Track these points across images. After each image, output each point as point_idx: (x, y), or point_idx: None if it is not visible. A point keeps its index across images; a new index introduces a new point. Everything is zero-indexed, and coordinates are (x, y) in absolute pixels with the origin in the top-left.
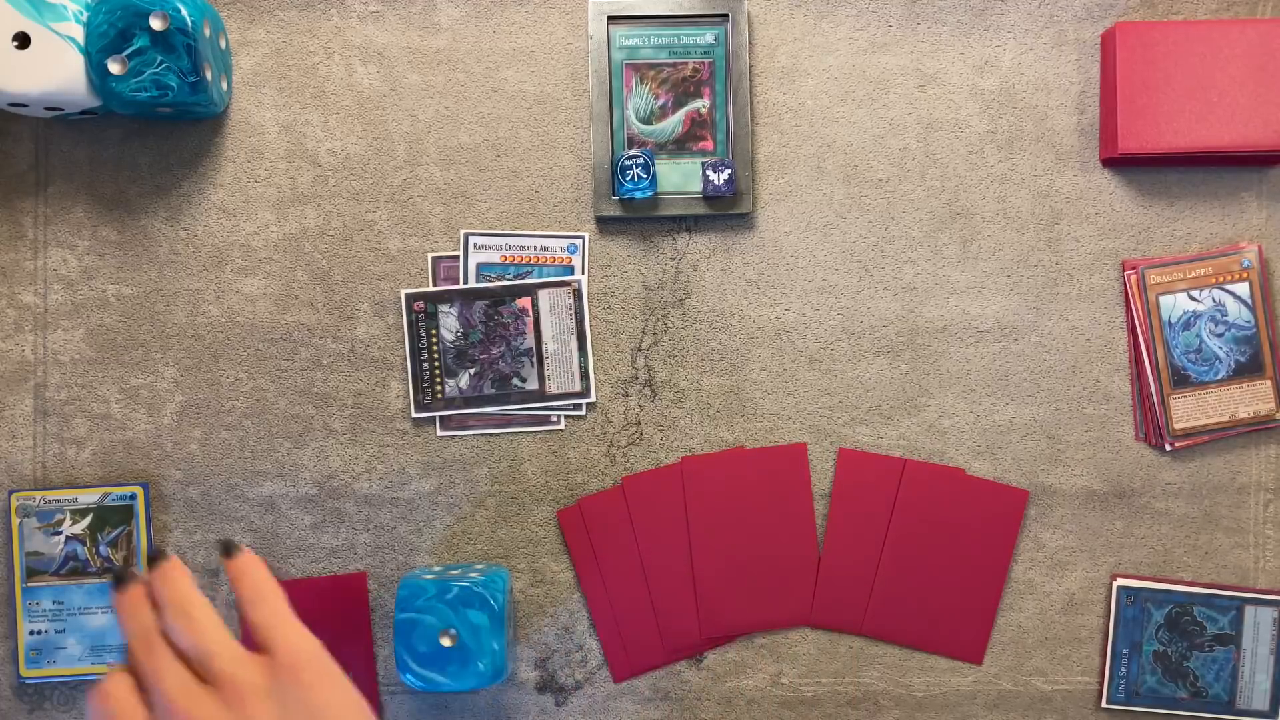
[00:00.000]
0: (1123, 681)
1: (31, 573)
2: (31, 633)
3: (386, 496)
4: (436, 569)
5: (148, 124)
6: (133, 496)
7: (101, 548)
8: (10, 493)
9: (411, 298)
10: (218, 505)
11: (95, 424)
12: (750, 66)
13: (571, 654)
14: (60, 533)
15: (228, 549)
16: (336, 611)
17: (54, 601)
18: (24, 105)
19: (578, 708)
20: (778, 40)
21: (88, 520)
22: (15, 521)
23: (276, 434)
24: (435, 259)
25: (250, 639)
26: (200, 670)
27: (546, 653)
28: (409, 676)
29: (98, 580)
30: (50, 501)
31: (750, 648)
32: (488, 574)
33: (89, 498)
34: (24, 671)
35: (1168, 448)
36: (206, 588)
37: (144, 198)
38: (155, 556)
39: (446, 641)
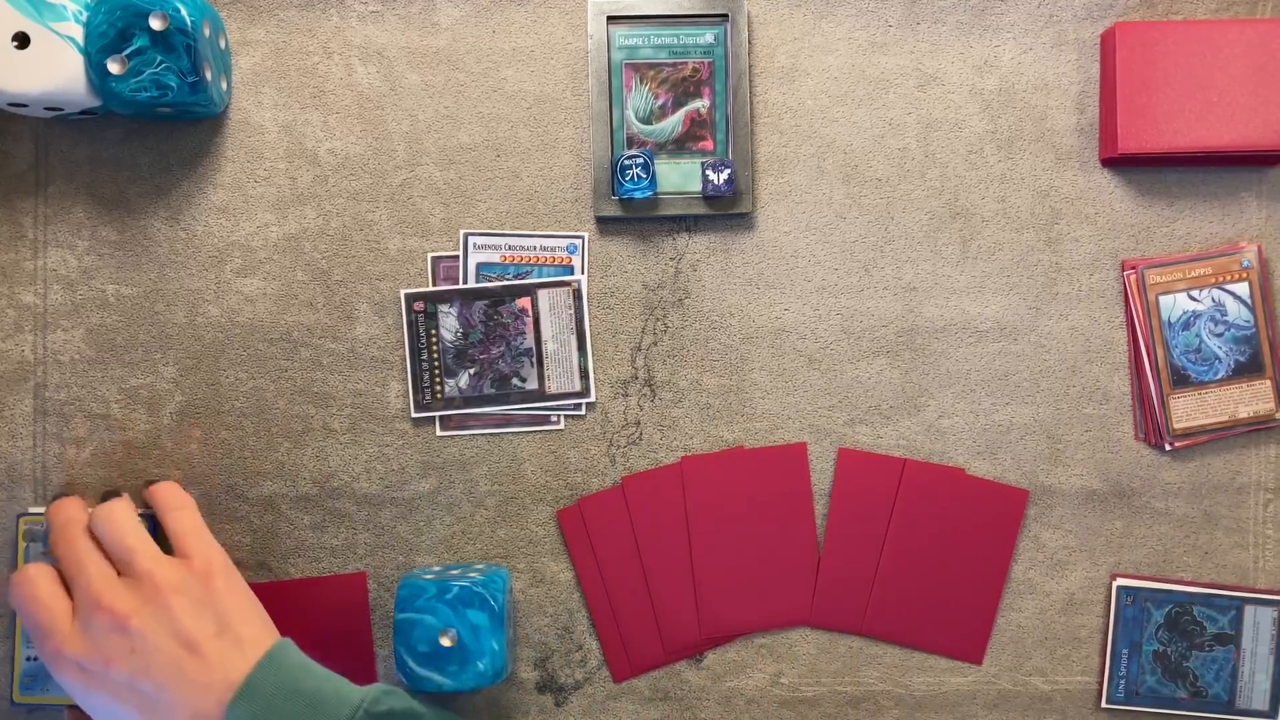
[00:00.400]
0: (1122, 681)
1: None
2: (28, 659)
3: (386, 496)
4: (436, 569)
5: (148, 124)
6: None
7: None
8: (18, 516)
9: (411, 298)
10: (218, 505)
11: (95, 424)
12: (750, 66)
13: (571, 654)
14: None
15: (150, 483)
16: (336, 611)
17: None
18: (24, 105)
19: (578, 708)
20: (778, 40)
21: None
22: (21, 546)
23: (276, 434)
24: (435, 259)
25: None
26: (120, 567)
27: (546, 653)
28: (409, 676)
29: None
30: None
31: (750, 648)
32: (488, 574)
33: None
34: (17, 697)
35: (1168, 448)
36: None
37: (144, 198)
38: (108, 496)
39: (446, 641)
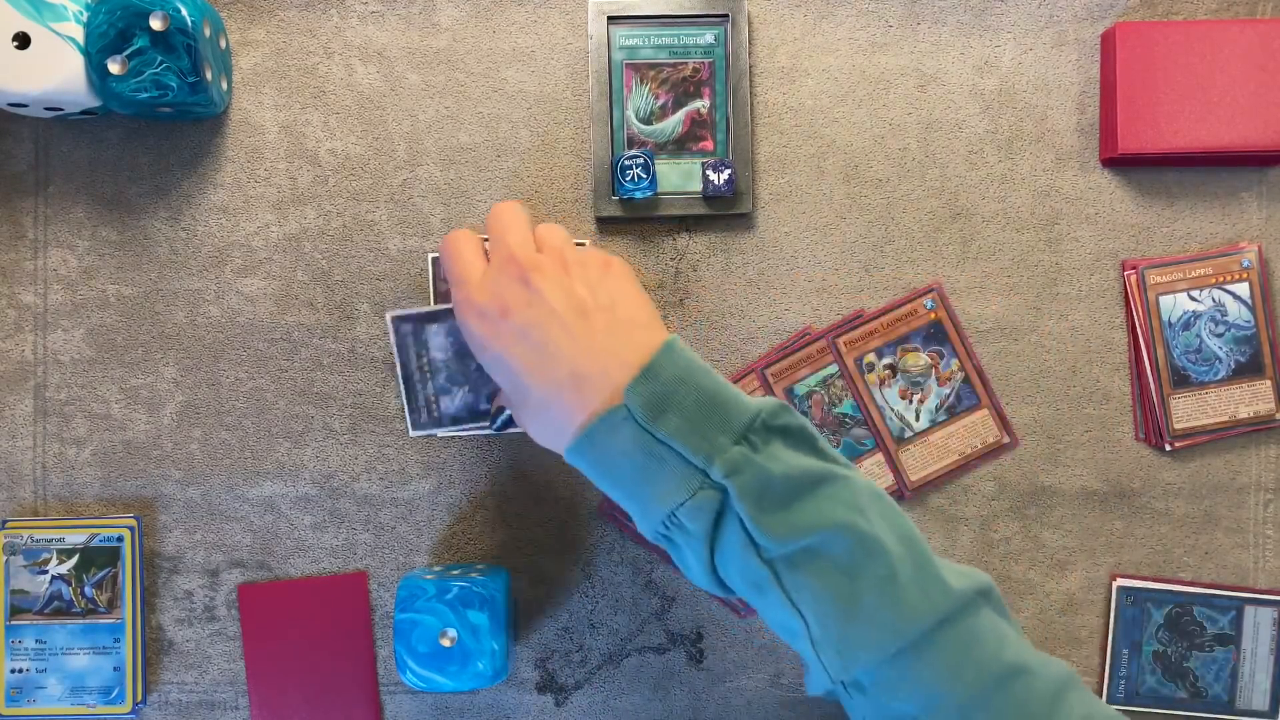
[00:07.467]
0: (1123, 681)
1: (15, 610)
2: (12, 670)
3: (386, 496)
4: (436, 569)
5: (148, 124)
6: (119, 539)
7: (87, 589)
8: (2, 523)
9: (398, 320)
10: (218, 505)
11: (95, 424)
12: (750, 66)
13: (571, 654)
14: (46, 572)
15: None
16: (336, 611)
17: (36, 640)
18: (24, 105)
19: (578, 708)
20: (778, 40)
21: (74, 560)
22: (1, 558)
23: (276, 434)
24: (435, 259)
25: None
26: (536, 245)
27: (546, 653)
28: (409, 677)
29: (81, 621)
30: (38, 540)
31: (750, 648)
32: (488, 574)
33: (76, 538)
34: (3, 710)
35: (1168, 448)
36: (206, 587)
37: (144, 198)
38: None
39: (446, 642)
